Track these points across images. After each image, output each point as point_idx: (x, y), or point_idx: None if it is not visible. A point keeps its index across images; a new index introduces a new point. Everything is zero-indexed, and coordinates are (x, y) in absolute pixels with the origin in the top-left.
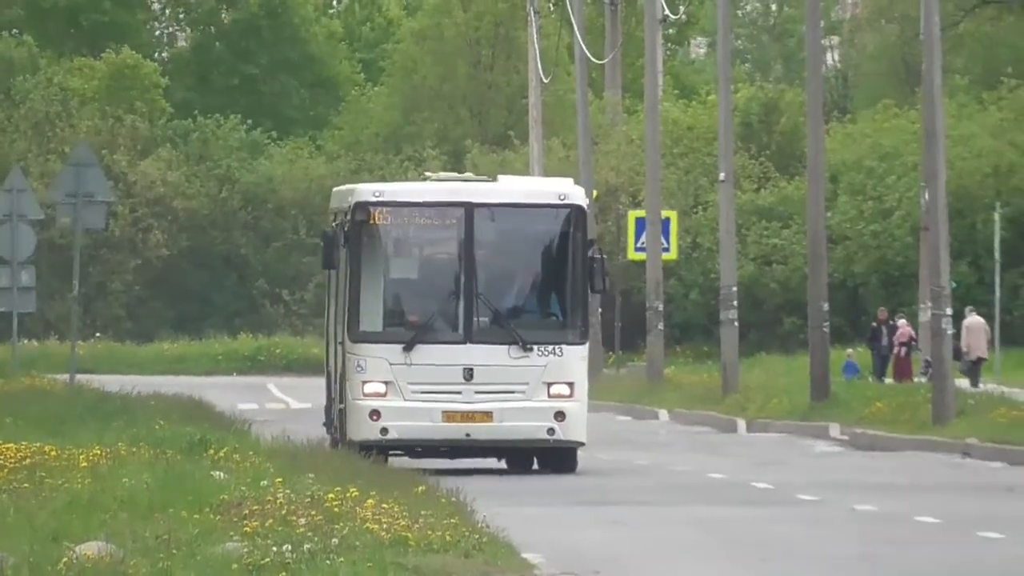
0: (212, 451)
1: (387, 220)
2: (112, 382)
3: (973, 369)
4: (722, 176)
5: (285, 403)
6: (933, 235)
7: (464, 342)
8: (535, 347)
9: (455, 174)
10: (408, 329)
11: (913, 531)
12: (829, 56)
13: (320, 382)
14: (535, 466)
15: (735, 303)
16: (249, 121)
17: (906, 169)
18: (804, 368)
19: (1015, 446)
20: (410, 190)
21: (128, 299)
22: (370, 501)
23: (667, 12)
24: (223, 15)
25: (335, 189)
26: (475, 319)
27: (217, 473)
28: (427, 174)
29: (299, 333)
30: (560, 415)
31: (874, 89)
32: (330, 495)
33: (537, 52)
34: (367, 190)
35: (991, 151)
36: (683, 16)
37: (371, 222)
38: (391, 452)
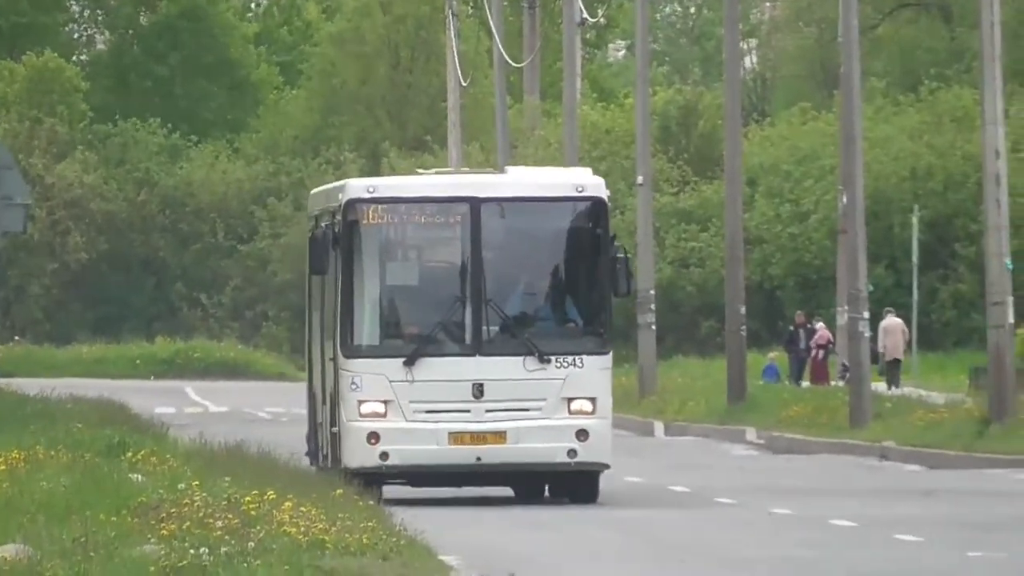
0: (130, 454)
1: (383, 219)
2: (31, 385)
3: (890, 370)
4: (640, 179)
5: (203, 406)
6: (851, 238)
7: (473, 354)
8: (553, 358)
9: (453, 169)
10: (409, 341)
11: (830, 534)
12: (747, 59)
13: (235, 386)
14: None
15: (652, 307)
16: (169, 125)
17: (823, 172)
18: (721, 371)
19: (932, 449)
20: (408, 184)
21: (47, 302)
22: (287, 504)
23: (585, 15)
24: (141, 18)
25: (314, 191)
26: (484, 328)
27: (135, 476)
28: (418, 170)
29: (217, 337)
30: (582, 434)
31: (792, 92)
32: (247, 498)
33: (456, 55)
34: (359, 185)
35: (909, 154)
36: (601, 19)
37: (365, 221)
38: (390, 480)
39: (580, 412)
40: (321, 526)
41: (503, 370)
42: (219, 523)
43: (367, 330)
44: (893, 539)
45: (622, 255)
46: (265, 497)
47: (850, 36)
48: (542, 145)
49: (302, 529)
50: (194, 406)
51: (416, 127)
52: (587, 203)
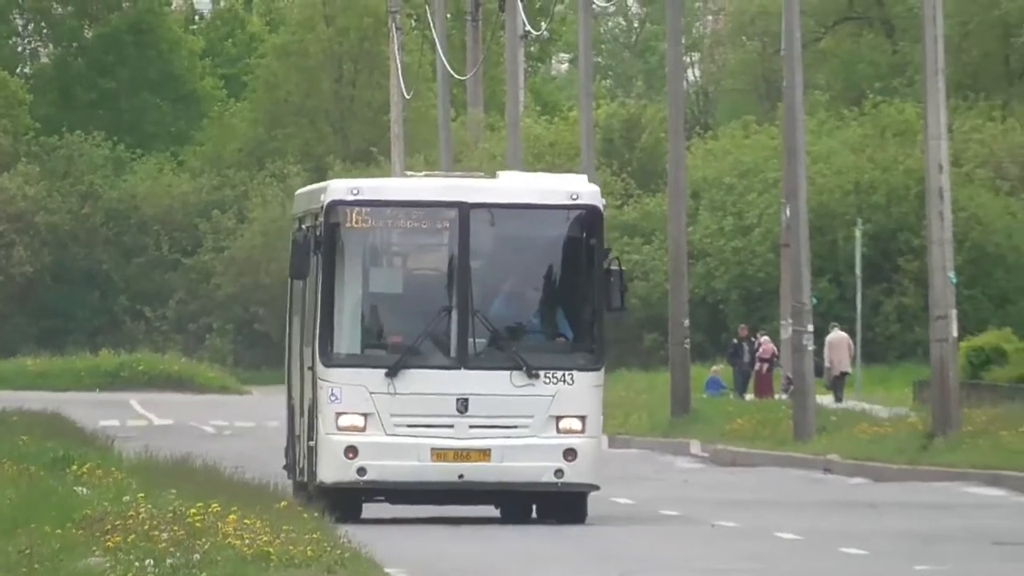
0: (75, 467)
1: (367, 222)
2: None
3: (836, 384)
4: None
5: (148, 419)
6: (794, 251)
7: (458, 367)
8: (541, 373)
9: (444, 173)
10: (391, 351)
11: (774, 547)
12: (690, 72)
13: (179, 399)
14: (534, 515)
15: None
16: (115, 138)
17: (767, 185)
18: (665, 384)
19: (876, 462)
20: (394, 187)
21: None
22: (232, 516)
23: (529, 28)
24: (86, 31)
25: (299, 191)
26: (471, 340)
27: (80, 489)
28: (408, 173)
29: (160, 349)
30: (570, 453)
31: (735, 105)
32: (192, 510)
33: (399, 68)
34: (342, 187)
35: (852, 167)
36: (545, 32)
37: (347, 225)
38: (369, 498)
39: (569, 431)
40: (266, 538)
41: (489, 384)
42: (164, 535)
43: (347, 339)
44: (838, 552)
45: (616, 267)
46: (210, 509)
47: (793, 49)
48: (486, 158)
49: (247, 541)
50: (138, 419)
51: (360, 140)
52: (581, 212)
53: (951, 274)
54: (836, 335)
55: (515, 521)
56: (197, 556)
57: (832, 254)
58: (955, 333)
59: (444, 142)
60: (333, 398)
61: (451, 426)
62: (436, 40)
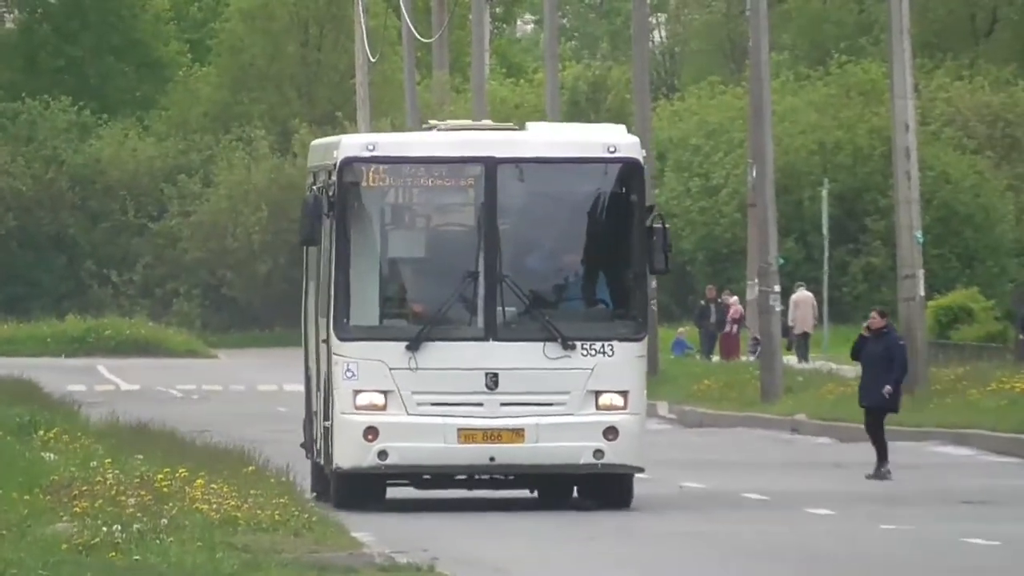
0: (42, 432)
1: (384, 181)
2: None
3: (800, 344)
4: None
5: (115, 384)
6: (760, 212)
7: (486, 339)
8: (578, 345)
9: (468, 121)
10: (412, 322)
11: (742, 508)
12: (656, 33)
13: (146, 363)
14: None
15: None
16: (80, 103)
17: (733, 146)
18: None
19: (843, 423)
20: (413, 142)
21: None
22: (199, 481)
23: None
24: None
25: (314, 143)
26: (500, 309)
27: (47, 454)
28: (432, 121)
29: (128, 314)
30: (611, 432)
31: (701, 66)
32: (159, 475)
33: (364, 31)
34: (357, 143)
35: (817, 127)
36: None
37: (363, 184)
38: (391, 482)
39: (609, 407)
40: (233, 503)
41: (521, 358)
42: (132, 500)
43: (364, 309)
44: (805, 512)
45: (659, 225)
46: (177, 474)
47: (758, 9)
48: (452, 120)
49: (214, 506)
50: (105, 384)
51: (326, 103)
52: (619, 165)
53: (918, 233)
54: (801, 294)
55: (553, 506)
56: (164, 521)
57: (798, 214)
58: (922, 292)
59: (410, 105)
60: (349, 374)
61: (480, 404)
62: (401, 3)
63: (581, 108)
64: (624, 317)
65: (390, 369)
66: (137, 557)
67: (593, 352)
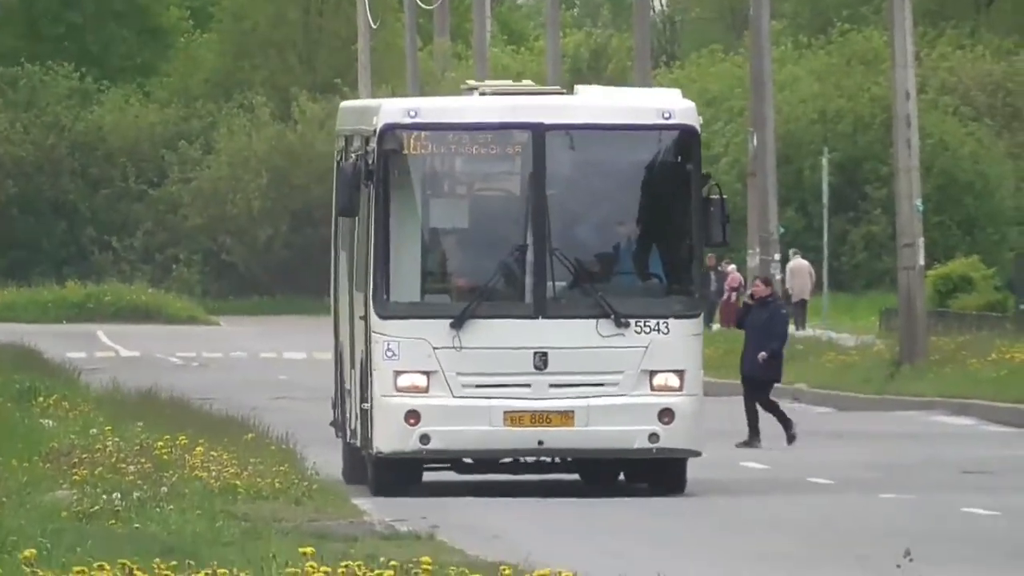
0: (41, 399)
1: (426, 149)
2: None
3: (797, 312)
4: None
5: (115, 351)
6: (761, 181)
7: (535, 316)
8: (632, 322)
9: (510, 83)
10: (456, 299)
11: (742, 477)
12: (656, 1)
13: (146, 330)
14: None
15: None
16: (83, 69)
17: (733, 114)
18: None
19: (843, 391)
20: (457, 107)
21: None
22: (199, 449)
23: None
24: None
25: (345, 104)
26: (549, 284)
27: (46, 421)
28: (468, 82)
29: (127, 280)
30: (666, 414)
31: (701, 34)
32: (159, 443)
33: None
34: (398, 108)
35: (817, 96)
36: None
37: (404, 152)
38: (431, 466)
39: (665, 388)
40: (233, 471)
41: (571, 336)
42: (131, 468)
43: (405, 285)
44: (806, 482)
45: (717, 196)
46: (177, 442)
47: None
48: (453, 88)
49: (214, 474)
50: (105, 350)
51: (327, 70)
52: (675, 132)
53: (918, 202)
54: (797, 262)
55: (598, 492)
56: (164, 489)
57: (799, 183)
58: (922, 261)
59: (411, 72)
60: (390, 354)
61: (528, 385)
62: None
63: (582, 76)
64: (680, 292)
65: (433, 348)
66: (137, 525)
67: (648, 330)
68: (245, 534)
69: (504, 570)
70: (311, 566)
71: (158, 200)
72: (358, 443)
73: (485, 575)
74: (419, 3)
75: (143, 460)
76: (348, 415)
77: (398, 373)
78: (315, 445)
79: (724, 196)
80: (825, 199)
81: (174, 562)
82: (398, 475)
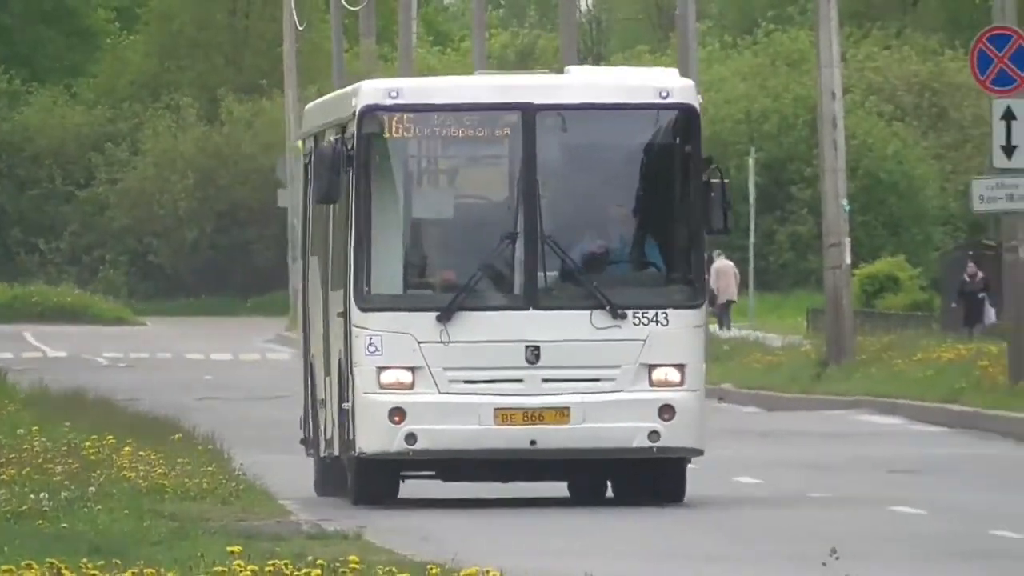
0: None
1: (409, 131)
2: None
3: (723, 312)
4: None
5: (42, 352)
6: None
7: (526, 307)
8: (629, 313)
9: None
10: (443, 290)
11: None
12: (583, 2)
13: (73, 330)
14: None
15: None
16: (12, 72)
17: None
18: None
19: (770, 391)
20: (441, 87)
21: None
22: (127, 449)
23: None
24: None
25: (311, 105)
26: (541, 273)
27: None
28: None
29: (54, 282)
30: (667, 411)
31: (628, 35)
32: (87, 443)
33: None
34: (378, 89)
35: (743, 97)
36: None
37: (385, 135)
38: (413, 471)
39: (664, 383)
40: (160, 471)
41: (565, 328)
42: (59, 468)
43: (388, 276)
44: (733, 481)
45: (717, 180)
46: (105, 442)
47: None
48: None
49: (141, 474)
50: (32, 351)
51: (253, 71)
52: (673, 112)
53: (844, 202)
54: (722, 263)
55: (586, 501)
56: (92, 489)
57: None
58: (848, 261)
59: (337, 73)
60: (372, 349)
61: (519, 380)
62: None
63: None
64: (679, 282)
65: (418, 343)
66: (65, 525)
67: (646, 321)
68: (173, 533)
69: (431, 569)
70: (238, 565)
71: (85, 202)
72: (335, 451)
73: (413, 574)
74: (345, 4)
75: (71, 460)
76: (322, 428)
77: (381, 369)
78: (241, 445)
79: (726, 180)
80: (752, 199)
81: (102, 561)
82: (380, 479)
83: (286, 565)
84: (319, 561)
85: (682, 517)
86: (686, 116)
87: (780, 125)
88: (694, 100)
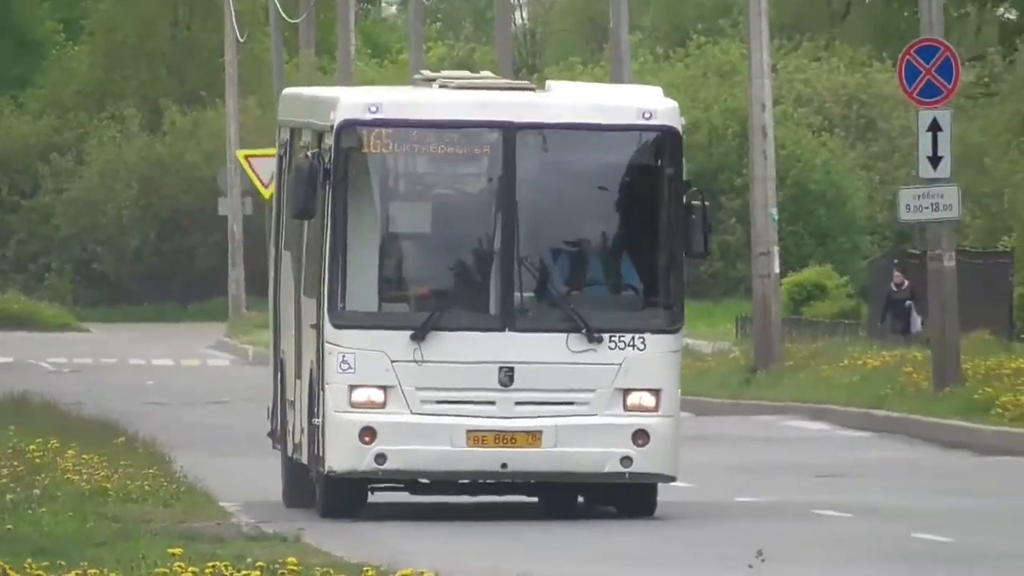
0: None
1: (388, 148)
2: None
3: None
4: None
5: None
6: None
7: (501, 328)
8: (605, 336)
9: (467, 73)
10: (417, 309)
11: None
12: (518, 14)
13: (18, 336)
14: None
15: None
16: None
17: None
18: None
19: (700, 396)
20: (421, 103)
21: None
22: (71, 452)
23: None
24: None
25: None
26: (517, 295)
27: None
28: (424, 72)
29: (1, 289)
30: (641, 436)
31: (562, 47)
32: (32, 446)
33: (232, 11)
34: (358, 103)
35: None
36: None
37: (364, 150)
38: (378, 487)
39: (639, 408)
40: (104, 474)
41: (540, 350)
42: (4, 471)
43: (363, 293)
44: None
45: (699, 203)
46: (49, 445)
47: None
48: None
49: (85, 477)
50: None
51: (196, 82)
52: (655, 134)
53: (773, 211)
54: None
55: (558, 514)
56: (37, 491)
57: None
58: (777, 269)
59: (277, 84)
60: (345, 367)
61: (492, 402)
62: None
63: None
64: (657, 306)
65: (392, 362)
66: (10, 526)
67: (622, 345)
68: (116, 535)
69: (367, 571)
70: (180, 566)
71: (31, 211)
72: (303, 459)
73: (349, 575)
74: (284, 17)
75: (16, 463)
76: (291, 427)
77: (353, 387)
78: (182, 448)
79: (707, 203)
80: None
81: (46, 562)
82: (351, 493)
83: (226, 567)
84: (258, 563)
85: (611, 520)
86: (669, 138)
87: (711, 136)
88: (677, 122)
